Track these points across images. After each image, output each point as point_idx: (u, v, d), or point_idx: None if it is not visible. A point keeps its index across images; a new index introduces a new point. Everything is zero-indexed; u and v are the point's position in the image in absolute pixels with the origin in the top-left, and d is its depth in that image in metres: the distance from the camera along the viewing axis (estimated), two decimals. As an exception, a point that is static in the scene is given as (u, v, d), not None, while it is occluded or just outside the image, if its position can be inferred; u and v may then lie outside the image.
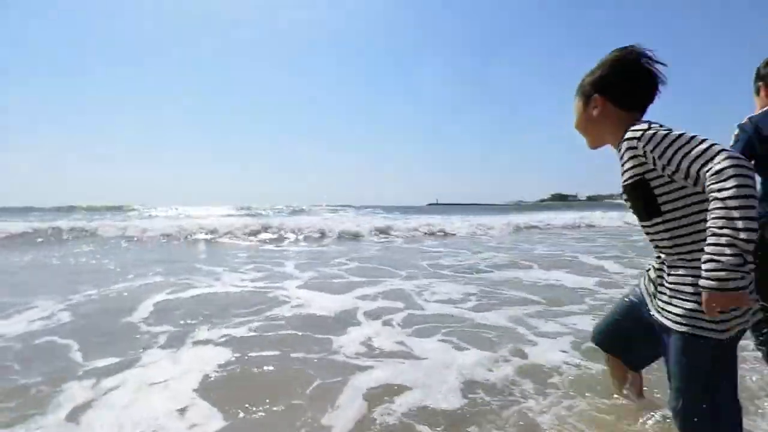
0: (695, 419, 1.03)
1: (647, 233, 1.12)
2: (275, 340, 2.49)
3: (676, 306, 1.03)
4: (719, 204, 0.84)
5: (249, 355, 2.26)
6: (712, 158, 0.87)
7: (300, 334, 2.62)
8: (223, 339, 2.51)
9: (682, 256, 1.03)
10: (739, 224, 0.81)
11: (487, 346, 2.39)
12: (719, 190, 0.84)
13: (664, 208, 1.03)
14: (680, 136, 0.94)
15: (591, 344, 1.56)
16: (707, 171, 0.87)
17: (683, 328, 1.01)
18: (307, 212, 23.45)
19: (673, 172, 0.96)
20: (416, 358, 2.20)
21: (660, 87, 1.12)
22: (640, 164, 1.02)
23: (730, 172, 0.83)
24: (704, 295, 0.87)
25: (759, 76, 1.85)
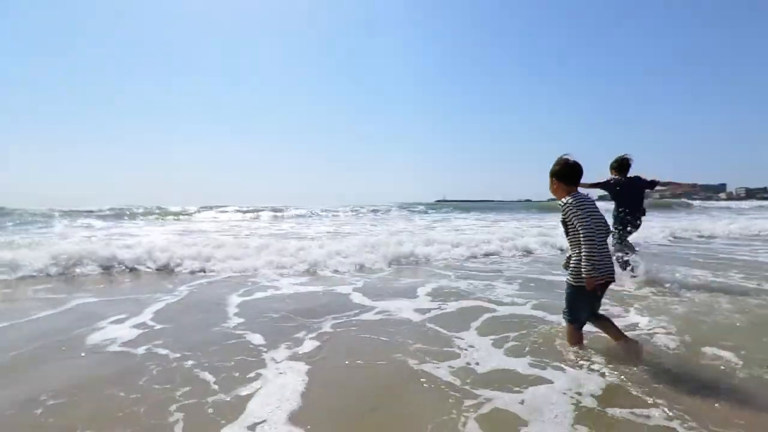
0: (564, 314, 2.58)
1: (568, 241, 2.47)
2: (375, 352, 2.59)
3: (570, 272, 2.45)
4: (582, 254, 2.29)
5: (364, 377, 2.35)
6: (580, 232, 2.29)
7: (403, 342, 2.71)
8: (323, 353, 2.62)
9: (574, 254, 2.42)
10: (586, 263, 2.27)
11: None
12: (583, 249, 2.29)
13: (569, 233, 2.43)
14: (576, 213, 2.30)
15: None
16: (580, 236, 2.29)
17: (567, 279, 2.49)
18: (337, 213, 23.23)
19: (571, 225, 2.38)
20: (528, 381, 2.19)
21: (581, 177, 2.48)
22: (563, 215, 2.40)
23: (585, 243, 2.27)
24: (585, 277, 2.30)
25: (611, 167, 4.73)
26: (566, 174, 2.45)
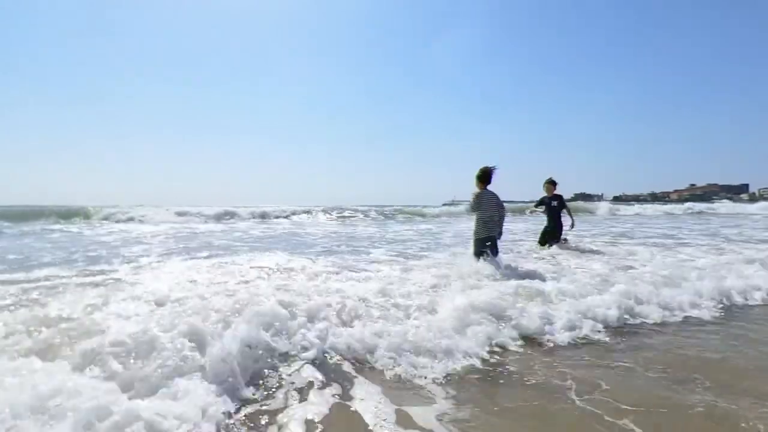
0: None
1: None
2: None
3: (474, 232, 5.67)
4: (475, 223, 5.68)
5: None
6: (476, 214, 5.57)
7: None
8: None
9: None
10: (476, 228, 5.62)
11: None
12: (475, 222, 5.63)
13: (476, 212, 5.52)
14: (472, 200, 5.50)
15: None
16: (476, 215, 5.58)
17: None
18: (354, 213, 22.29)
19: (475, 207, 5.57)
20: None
21: (492, 179, 5.50)
22: (473, 199, 5.54)
23: (468, 207, 5.78)
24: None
25: (545, 183, 8.23)
26: (481, 177, 5.35)
